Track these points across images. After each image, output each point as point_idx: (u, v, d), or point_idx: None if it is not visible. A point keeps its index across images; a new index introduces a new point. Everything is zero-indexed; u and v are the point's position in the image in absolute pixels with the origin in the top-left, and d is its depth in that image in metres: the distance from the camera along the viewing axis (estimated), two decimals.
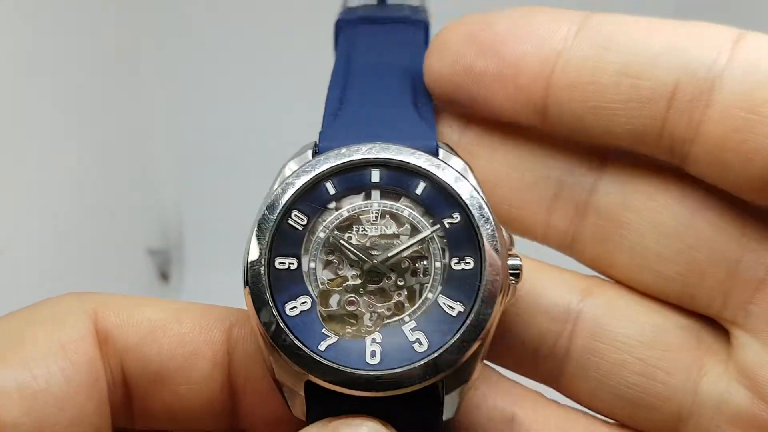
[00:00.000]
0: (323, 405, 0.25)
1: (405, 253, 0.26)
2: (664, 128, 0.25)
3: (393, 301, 0.26)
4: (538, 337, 0.29)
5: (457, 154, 0.27)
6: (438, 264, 0.26)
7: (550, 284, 0.29)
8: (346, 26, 0.33)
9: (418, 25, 0.33)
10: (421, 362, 0.24)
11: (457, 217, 0.26)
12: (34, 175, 0.57)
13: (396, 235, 0.26)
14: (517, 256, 0.26)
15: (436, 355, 0.24)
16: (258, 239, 0.26)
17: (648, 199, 0.27)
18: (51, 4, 0.59)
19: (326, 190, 0.26)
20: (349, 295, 0.26)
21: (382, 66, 0.31)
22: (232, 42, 0.77)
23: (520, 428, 0.28)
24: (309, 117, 0.29)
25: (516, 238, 0.29)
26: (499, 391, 0.29)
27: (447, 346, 0.25)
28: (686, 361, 0.27)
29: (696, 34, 0.25)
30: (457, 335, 0.25)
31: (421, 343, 0.25)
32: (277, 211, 0.26)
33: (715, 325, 0.28)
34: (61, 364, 0.25)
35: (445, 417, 0.26)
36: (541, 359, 0.29)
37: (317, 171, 0.26)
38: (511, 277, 0.26)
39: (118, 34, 0.72)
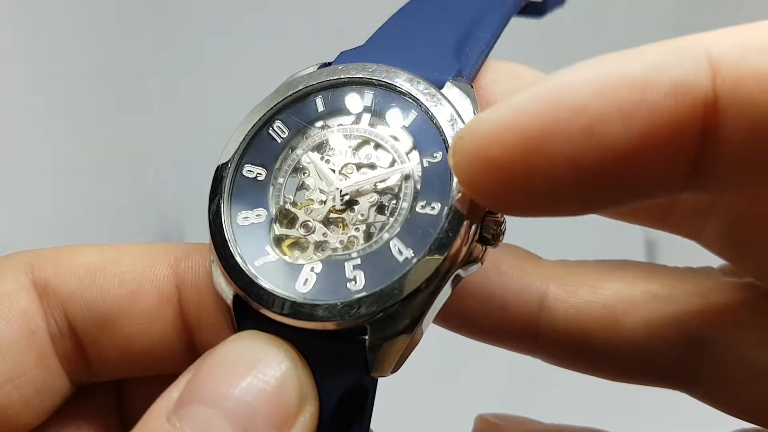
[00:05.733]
0: (249, 325, 0.23)
1: (367, 185, 0.24)
2: None
3: (348, 235, 0.23)
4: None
5: (468, 94, 0.24)
6: (405, 204, 0.23)
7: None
8: None
9: None
10: (346, 300, 0.22)
11: (438, 157, 0.23)
12: (34, 175, 0.57)
13: (373, 166, 0.24)
14: (499, 218, 0.23)
15: (362, 296, 0.22)
16: (233, 142, 0.24)
17: None
18: (52, 3, 0.59)
19: (315, 106, 0.25)
20: (306, 219, 0.24)
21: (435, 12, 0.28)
22: (236, 43, 0.77)
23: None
24: None
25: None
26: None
27: (377, 291, 0.22)
28: None
29: None
30: (390, 285, 0.22)
31: (356, 283, 0.22)
32: (259, 117, 0.25)
33: None
34: None
35: (374, 373, 0.22)
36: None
37: (310, 83, 0.25)
38: (482, 241, 0.23)
39: (120, 34, 0.72)
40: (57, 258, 0.26)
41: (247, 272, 0.23)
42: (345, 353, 0.22)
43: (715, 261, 0.28)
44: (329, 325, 0.22)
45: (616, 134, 0.17)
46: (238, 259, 0.23)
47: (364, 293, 0.22)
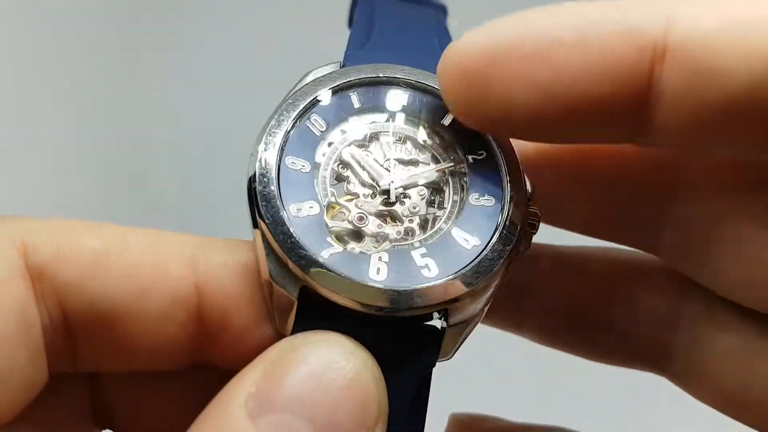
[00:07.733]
0: (312, 320, 0.23)
1: (421, 181, 0.25)
2: None
3: (404, 226, 0.25)
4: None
5: None
6: (456, 198, 0.25)
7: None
8: None
9: (438, 9, 0.32)
10: (427, 286, 0.23)
11: (482, 154, 0.25)
12: (32, 174, 0.57)
13: (414, 162, 0.25)
14: (536, 208, 0.25)
15: (444, 281, 0.23)
16: (270, 134, 0.24)
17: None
18: (52, 4, 0.59)
19: (351, 101, 0.25)
20: (358, 211, 0.24)
21: (408, 18, 0.30)
22: (235, 39, 0.77)
23: None
24: None
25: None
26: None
27: (457, 275, 0.23)
28: None
29: None
30: (470, 267, 0.23)
31: (429, 270, 0.23)
32: (297, 111, 0.25)
33: None
34: None
35: (441, 357, 0.24)
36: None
37: (345, 79, 0.25)
38: (528, 226, 0.25)
39: (118, 33, 0.72)
40: (55, 240, 0.23)
41: (318, 261, 0.22)
42: (415, 342, 0.23)
43: None
44: (412, 312, 0.23)
45: (570, 58, 0.19)
46: (306, 251, 0.23)
47: (441, 280, 0.23)
